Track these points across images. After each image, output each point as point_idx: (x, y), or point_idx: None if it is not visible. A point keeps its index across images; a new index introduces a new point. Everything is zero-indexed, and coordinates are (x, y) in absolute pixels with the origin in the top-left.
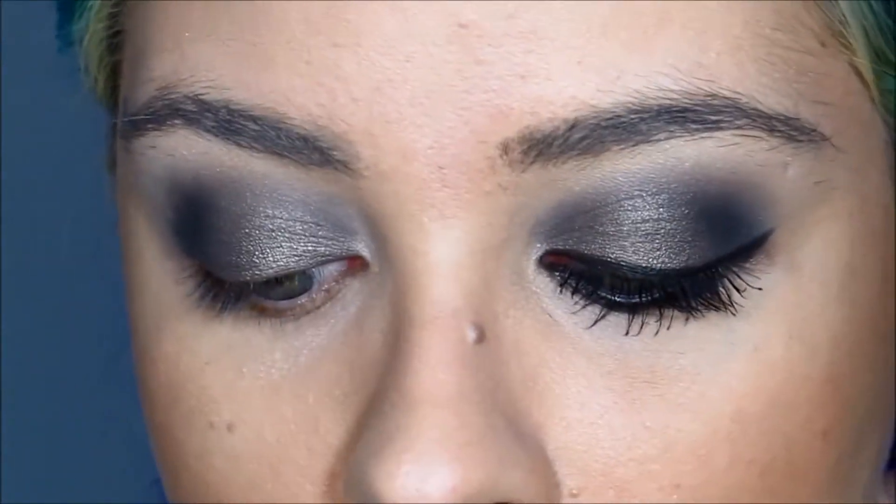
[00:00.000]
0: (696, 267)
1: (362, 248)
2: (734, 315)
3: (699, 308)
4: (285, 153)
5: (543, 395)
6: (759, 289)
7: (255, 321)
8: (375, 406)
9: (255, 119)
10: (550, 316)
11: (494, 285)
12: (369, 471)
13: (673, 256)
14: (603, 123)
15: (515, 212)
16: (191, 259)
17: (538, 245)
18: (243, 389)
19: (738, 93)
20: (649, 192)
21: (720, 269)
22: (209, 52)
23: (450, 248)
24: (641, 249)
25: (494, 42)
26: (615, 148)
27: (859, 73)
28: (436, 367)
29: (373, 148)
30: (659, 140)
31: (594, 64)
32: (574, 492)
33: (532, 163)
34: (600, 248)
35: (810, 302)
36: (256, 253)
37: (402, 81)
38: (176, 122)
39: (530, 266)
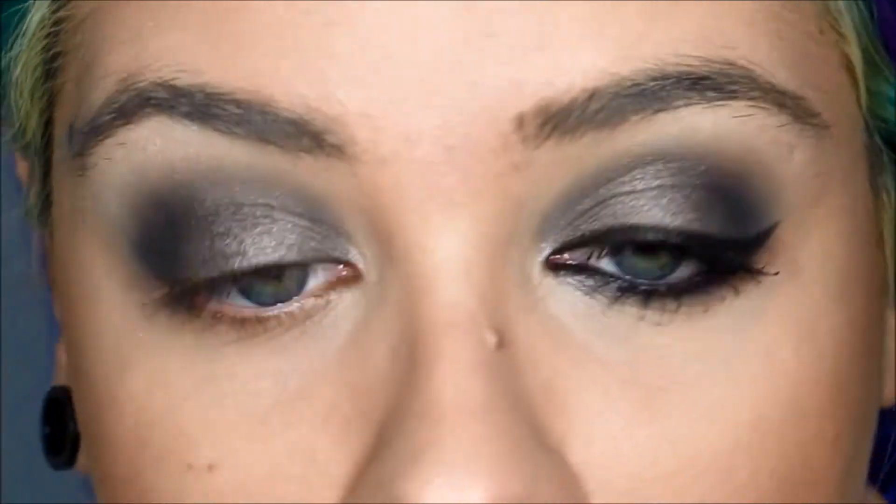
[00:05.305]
0: (713, 237)
1: (355, 256)
2: (741, 313)
3: (715, 288)
4: (271, 139)
5: (562, 407)
6: (765, 288)
7: (237, 345)
8: (395, 423)
9: (236, 102)
10: (560, 321)
11: (503, 286)
12: (398, 489)
13: (691, 217)
14: (622, 92)
15: (524, 201)
16: (161, 283)
17: (543, 245)
18: (226, 425)
19: (753, 63)
20: (664, 160)
21: (733, 255)
22: (176, 39)
23: (458, 243)
24: (658, 206)
25: (507, 12)
26: (633, 118)
27: (850, 71)
28: (461, 375)
29: (371, 130)
30: (677, 108)
31: (612, 32)
32: None
33: (547, 138)
34: (614, 216)
35: (814, 304)
36: (246, 239)
37: (403, 58)
38: (147, 110)
39: (535, 267)
